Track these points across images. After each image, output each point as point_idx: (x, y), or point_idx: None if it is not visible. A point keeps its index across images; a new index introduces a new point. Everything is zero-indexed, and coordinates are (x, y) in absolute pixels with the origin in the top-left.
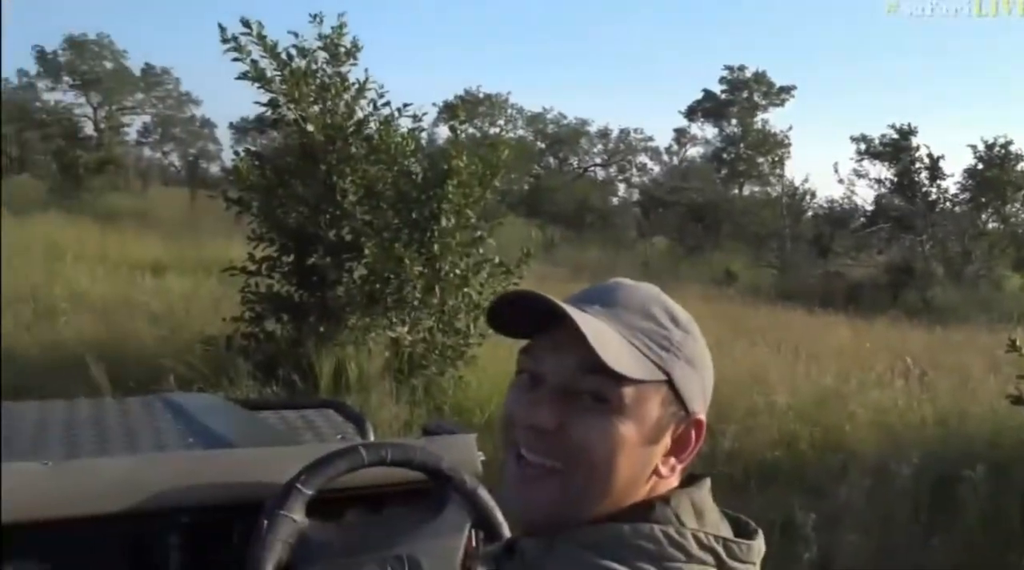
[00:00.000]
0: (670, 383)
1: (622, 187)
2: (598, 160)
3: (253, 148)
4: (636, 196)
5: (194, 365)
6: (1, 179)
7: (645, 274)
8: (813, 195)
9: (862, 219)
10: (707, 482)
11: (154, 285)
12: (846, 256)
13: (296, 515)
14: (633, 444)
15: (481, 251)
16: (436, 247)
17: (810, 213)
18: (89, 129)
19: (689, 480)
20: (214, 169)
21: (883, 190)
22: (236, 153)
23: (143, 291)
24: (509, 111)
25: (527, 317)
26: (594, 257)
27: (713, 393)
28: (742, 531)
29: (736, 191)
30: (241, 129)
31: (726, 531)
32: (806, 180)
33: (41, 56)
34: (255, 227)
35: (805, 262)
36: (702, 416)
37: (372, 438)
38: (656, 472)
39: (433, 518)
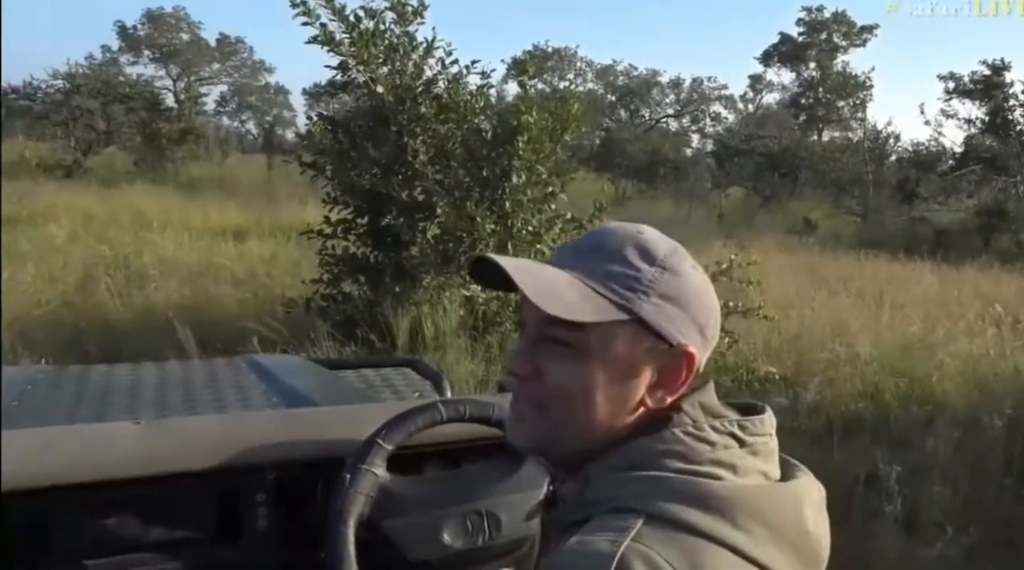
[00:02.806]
0: (638, 320)
1: (695, 138)
2: (670, 111)
3: (326, 113)
4: (710, 146)
5: (276, 327)
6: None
7: (720, 226)
8: (897, 138)
9: (950, 162)
10: (710, 385)
11: (236, 250)
12: (932, 201)
13: (377, 470)
14: (605, 382)
15: (553, 207)
16: (508, 204)
17: (894, 157)
18: (170, 101)
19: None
20: (289, 135)
21: (973, 130)
22: (309, 118)
23: (226, 256)
24: (578, 65)
25: (492, 273)
26: (667, 210)
27: (793, 345)
28: (750, 410)
29: (815, 137)
30: (314, 94)
31: (735, 416)
32: (889, 123)
33: (122, 31)
34: (330, 190)
35: (889, 208)
36: (692, 348)
37: (449, 395)
38: (643, 403)
39: (511, 473)
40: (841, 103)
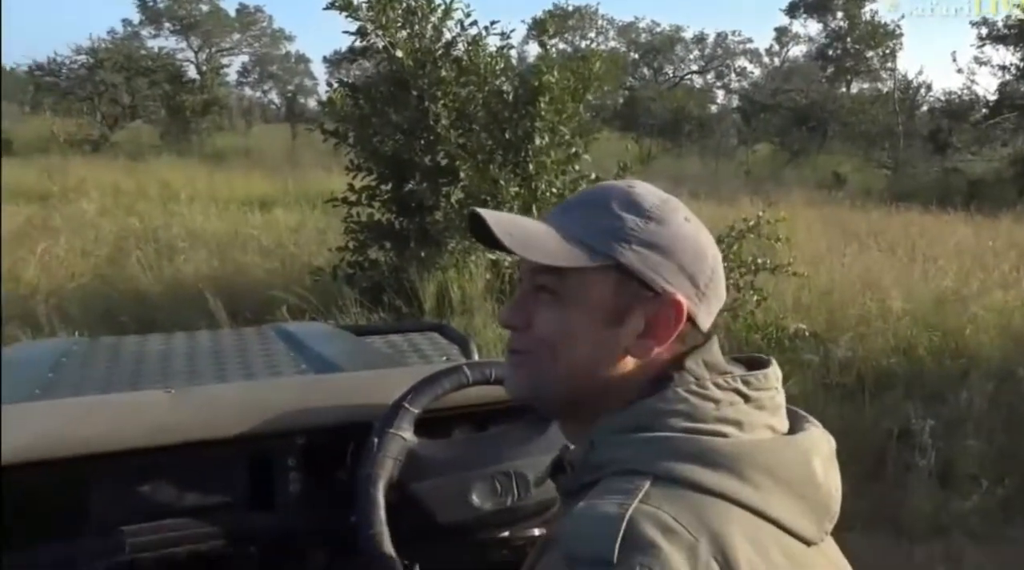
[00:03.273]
0: (620, 267)
1: (721, 94)
2: (694, 67)
3: (346, 80)
4: (736, 102)
5: (304, 295)
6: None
7: (747, 182)
8: (929, 88)
9: (983, 110)
10: (714, 341)
11: (262, 220)
12: (966, 151)
13: (405, 433)
14: (586, 327)
15: (577, 168)
16: (531, 166)
17: (925, 108)
18: (192, 73)
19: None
20: (312, 104)
21: (1007, 77)
22: (330, 85)
23: (253, 226)
24: (599, 23)
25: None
26: (693, 168)
27: (823, 301)
28: (756, 365)
29: (843, 89)
30: (334, 62)
31: (740, 371)
32: (920, 72)
33: (143, 4)
34: (353, 157)
35: (920, 160)
36: (679, 296)
37: (476, 359)
38: (628, 352)
39: (538, 435)
40: (870, 53)
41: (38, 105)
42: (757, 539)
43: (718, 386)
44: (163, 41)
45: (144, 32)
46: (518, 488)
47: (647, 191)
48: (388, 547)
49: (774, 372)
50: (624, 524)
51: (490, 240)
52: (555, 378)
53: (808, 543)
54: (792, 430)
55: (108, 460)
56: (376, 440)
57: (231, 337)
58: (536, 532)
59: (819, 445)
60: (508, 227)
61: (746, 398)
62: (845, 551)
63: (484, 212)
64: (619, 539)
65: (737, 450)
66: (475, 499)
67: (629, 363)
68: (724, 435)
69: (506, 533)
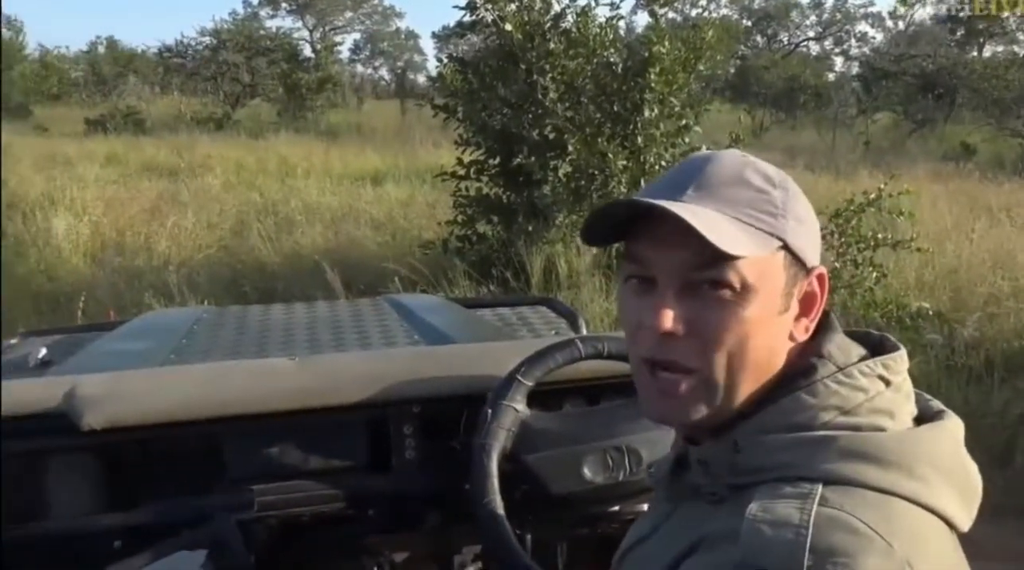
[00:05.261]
0: (785, 246)
1: (839, 61)
2: (811, 33)
3: (455, 54)
4: (855, 69)
5: (415, 267)
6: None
7: (866, 154)
8: None
9: None
10: (833, 316)
11: (374, 194)
12: None
13: (518, 405)
14: (765, 322)
15: (687, 140)
16: (640, 139)
17: None
18: (307, 51)
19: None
20: (421, 80)
21: None
22: (439, 60)
23: (365, 201)
24: None
25: (610, 222)
26: (809, 139)
27: (948, 279)
28: (877, 344)
29: (974, 54)
30: (443, 37)
31: (864, 352)
32: None
33: None
34: (462, 132)
35: None
36: (822, 268)
37: (584, 333)
38: (791, 338)
39: None
40: (1006, 13)
41: (167, 85)
42: (935, 538)
43: (863, 373)
44: (280, 21)
45: (263, 12)
46: (630, 463)
47: (758, 159)
48: (502, 515)
49: (904, 354)
50: (811, 529)
51: (610, 238)
52: (732, 390)
53: (957, 532)
54: (924, 414)
55: (239, 422)
56: (489, 411)
57: (347, 308)
58: (646, 508)
59: (961, 429)
60: (688, 215)
61: (888, 383)
62: (973, 539)
63: (649, 200)
64: (807, 547)
65: (900, 444)
66: (587, 472)
67: (790, 348)
68: (881, 428)
69: (616, 507)
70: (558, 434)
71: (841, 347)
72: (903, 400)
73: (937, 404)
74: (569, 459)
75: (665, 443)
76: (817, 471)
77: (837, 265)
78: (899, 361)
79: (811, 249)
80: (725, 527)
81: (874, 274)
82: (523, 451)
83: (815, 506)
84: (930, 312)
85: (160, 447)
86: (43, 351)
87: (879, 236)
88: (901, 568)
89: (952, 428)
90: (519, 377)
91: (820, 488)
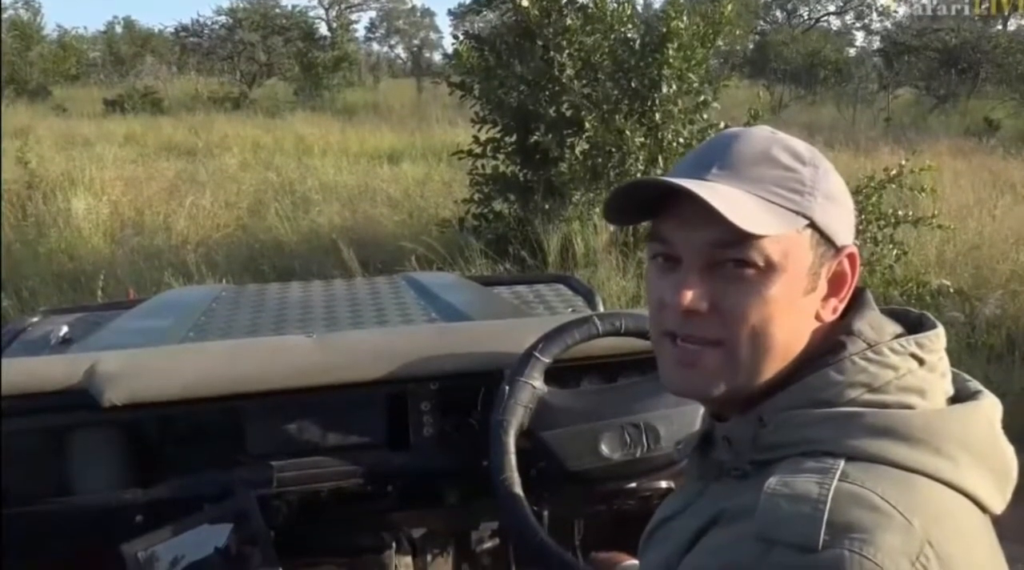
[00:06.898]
0: (812, 225)
1: (860, 36)
2: (831, 8)
3: (471, 31)
4: (877, 44)
5: (432, 246)
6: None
7: (887, 130)
8: None
9: None
10: (868, 294)
11: (391, 173)
12: None
13: (535, 382)
14: (790, 300)
15: (705, 117)
16: (658, 116)
17: None
18: (323, 30)
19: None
20: (437, 58)
21: None
22: (455, 38)
23: (382, 179)
24: None
25: (635, 202)
26: (829, 115)
27: (970, 256)
28: (915, 322)
29: (999, 27)
30: (459, 14)
31: (899, 330)
32: None
33: None
34: (478, 110)
35: None
36: (853, 247)
37: (602, 310)
38: (818, 318)
39: None
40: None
41: (184, 65)
42: (960, 518)
43: (894, 351)
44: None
45: None
46: (648, 440)
47: (789, 136)
48: (519, 492)
49: (942, 333)
50: (829, 503)
51: (636, 217)
52: (755, 366)
53: (989, 514)
54: (961, 394)
55: (258, 399)
56: (507, 388)
57: (364, 285)
58: (663, 484)
59: (997, 410)
60: (710, 194)
61: (921, 362)
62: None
63: (672, 179)
64: (824, 522)
65: (929, 422)
66: (604, 449)
67: (810, 336)
68: (910, 406)
69: (634, 484)
70: (576, 411)
71: (873, 325)
72: (937, 379)
73: (975, 385)
74: (586, 436)
75: (683, 420)
76: (841, 447)
77: (857, 242)
78: (935, 340)
79: (843, 228)
80: (745, 502)
81: (894, 251)
82: (540, 428)
83: (835, 481)
84: (951, 290)
85: (180, 423)
86: (64, 329)
87: (900, 213)
88: (921, 546)
89: (987, 408)
90: (536, 354)
91: (842, 463)
